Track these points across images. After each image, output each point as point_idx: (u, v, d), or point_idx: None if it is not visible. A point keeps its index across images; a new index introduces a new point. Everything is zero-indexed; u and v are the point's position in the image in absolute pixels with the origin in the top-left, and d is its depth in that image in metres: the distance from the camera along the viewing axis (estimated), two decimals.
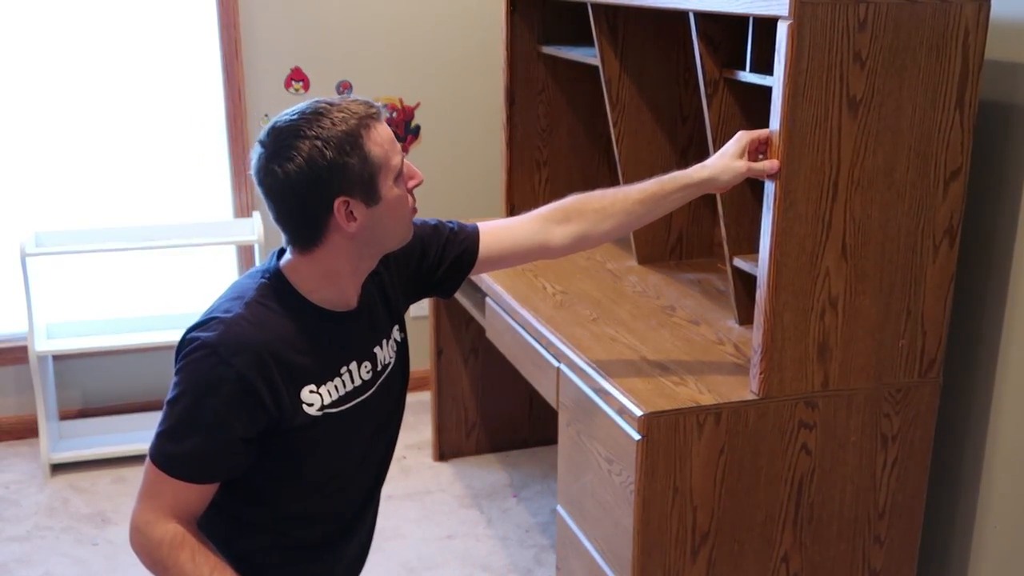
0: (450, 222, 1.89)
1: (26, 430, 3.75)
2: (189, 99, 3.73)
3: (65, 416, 3.77)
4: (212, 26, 3.66)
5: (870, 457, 2.12)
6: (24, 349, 3.57)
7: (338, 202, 1.51)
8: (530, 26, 3.24)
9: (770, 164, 1.89)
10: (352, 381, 1.65)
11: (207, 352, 1.51)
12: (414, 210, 1.63)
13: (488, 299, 2.80)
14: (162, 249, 3.56)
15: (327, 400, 1.61)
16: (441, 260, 1.84)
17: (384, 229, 1.59)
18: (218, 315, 1.54)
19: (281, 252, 1.64)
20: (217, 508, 1.63)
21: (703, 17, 2.21)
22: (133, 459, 3.58)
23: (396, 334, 1.78)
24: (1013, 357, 2.17)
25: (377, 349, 1.71)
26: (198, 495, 1.56)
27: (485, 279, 2.79)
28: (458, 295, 3.21)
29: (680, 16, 2.62)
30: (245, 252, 3.87)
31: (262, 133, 1.54)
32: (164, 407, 1.55)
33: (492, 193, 3.91)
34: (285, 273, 1.60)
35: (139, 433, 3.66)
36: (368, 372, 1.69)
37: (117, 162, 3.70)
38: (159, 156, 3.74)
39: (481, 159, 4.03)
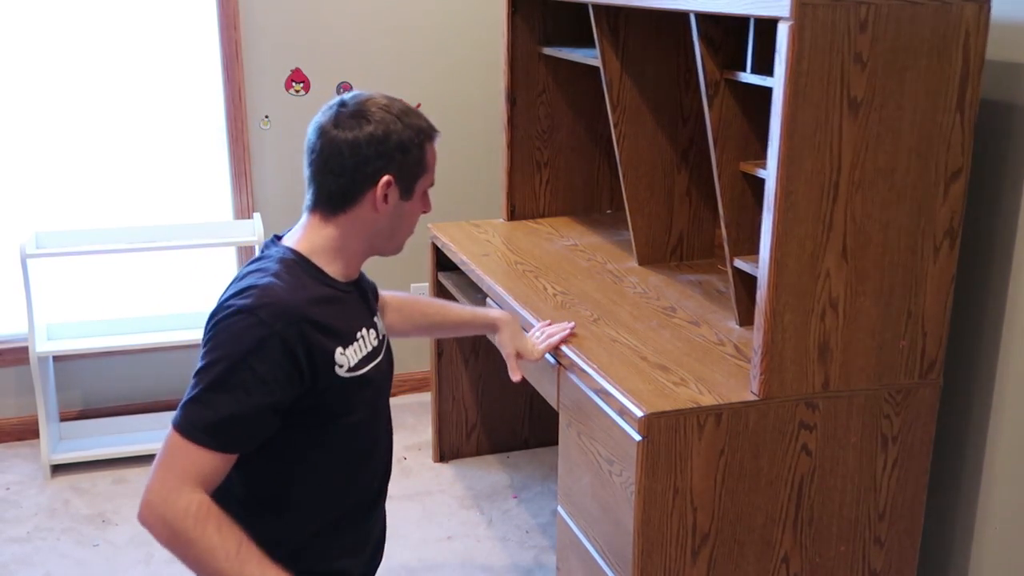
0: None
1: (26, 431, 3.75)
2: (189, 100, 3.73)
3: (65, 417, 3.77)
4: (212, 27, 3.66)
5: (870, 458, 2.12)
6: (24, 350, 3.57)
7: (386, 179, 1.64)
8: (531, 27, 3.25)
9: (516, 374, 2.25)
10: (367, 345, 1.73)
11: (246, 315, 1.54)
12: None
13: (488, 300, 2.80)
14: (162, 250, 3.56)
15: (353, 362, 1.66)
16: None
17: (398, 227, 1.72)
18: (252, 283, 1.58)
19: (273, 240, 1.73)
20: (240, 497, 1.64)
21: (704, 18, 2.21)
22: (134, 460, 3.58)
23: (380, 322, 1.85)
24: (1013, 358, 2.17)
25: (375, 319, 1.82)
26: (222, 466, 1.56)
27: (486, 280, 2.79)
28: (458, 296, 3.21)
29: (681, 17, 2.62)
30: (245, 253, 3.87)
31: (341, 96, 1.67)
32: (194, 377, 1.56)
33: (493, 194, 3.91)
34: (299, 250, 1.68)
35: (140, 434, 3.67)
36: (375, 338, 1.77)
37: (118, 163, 3.71)
38: (159, 157, 3.75)
39: (482, 160, 4.03)
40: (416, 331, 2.19)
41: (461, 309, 2.30)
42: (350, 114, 1.63)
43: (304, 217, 1.71)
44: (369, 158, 1.62)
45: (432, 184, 1.74)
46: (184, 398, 1.56)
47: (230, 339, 1.54)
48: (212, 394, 1.53)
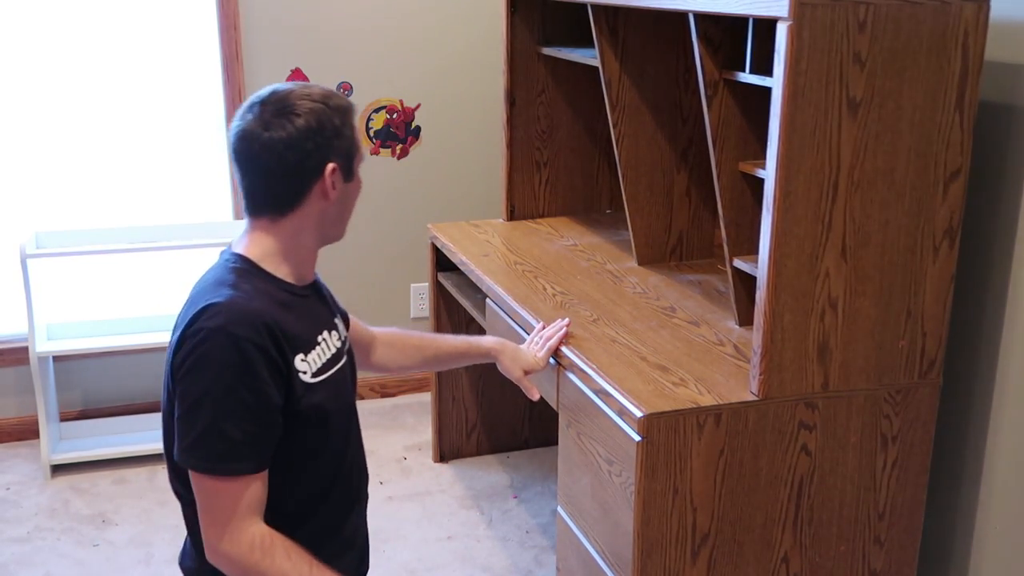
0: None
1: (27, 431, 3.75)
2: (189, 100, 3.73)
3: (66, 417, 3.77)
4: (212, 26, 3.66)
5: (870, 458, 2.12)
6: (24, 350, 3.57)
7: (331, 167, 1.60)
8: (530, 27, 3.25)
9: (533, 392, 2.26)
10: (329, 348, 1.70)
11: (218, 335, 1.51)
12: None
13: (488, 300, 2.80)
14: (162, 250, 3.56)
15: (315, 367, 1.64)
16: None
17: (344, 211, 1.69)
18: (212, 302, 1.54)
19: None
20: None
21: (703, 18, 2.21)
22: (134, 460, 3.58)
23: (340, 323, 1.82)
24: (1013, 357, 2.17)
25: (336, 320, 1.80)
26: (262, 486, 1.56)
27: (485, 280, 2.79)
28: (458, 295, 3.21)
29: (680, 17, 2.62)
30: None
31: (256, 97, 1.60)
32: (186, 413, 1.52)
33: (492, 194, 3.91)
34: (247, 255, 1.64)
35: (140, 434, 3.67)
36: (337, 340, 1.75)
37: (117, 163, 3.71)
38: (159, 157, 3.75)
39: (481, 160, 4.03)
40: (412, 365, 2.17)
41: (454, 340, 2.27)
42: (275, 112, 1.57)
43: (248, 223, 1.67)
44: (310, 151, 1.58)
45: (363, 159, 1.71)
46: (187, 437, 1.52)
47: (212, 364, 1.51)
48: (220, 423, 1.50)
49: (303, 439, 1.63)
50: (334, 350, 1.71)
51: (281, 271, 1.65)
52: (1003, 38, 2.13)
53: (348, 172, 1.65)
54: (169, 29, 3.64)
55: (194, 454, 1.52)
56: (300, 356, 1.61)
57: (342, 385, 1.73)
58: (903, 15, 1.86)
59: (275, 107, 1.57)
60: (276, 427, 1.57)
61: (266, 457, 1.56)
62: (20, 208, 3.65)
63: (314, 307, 1.72)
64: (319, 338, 1.68)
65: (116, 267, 3.74)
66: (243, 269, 1.62)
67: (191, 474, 1.54)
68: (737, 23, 2.22)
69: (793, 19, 1.80)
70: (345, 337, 1.81)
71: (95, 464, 3.57)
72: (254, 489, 1.55)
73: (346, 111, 1.63)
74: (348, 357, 1.80)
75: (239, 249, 1.66)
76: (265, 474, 1.57)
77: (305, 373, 1.61)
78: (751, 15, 1.92)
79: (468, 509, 3.33)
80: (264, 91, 1.61)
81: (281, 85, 1.63)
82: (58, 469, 3.54)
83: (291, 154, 1.57)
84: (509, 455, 3.69)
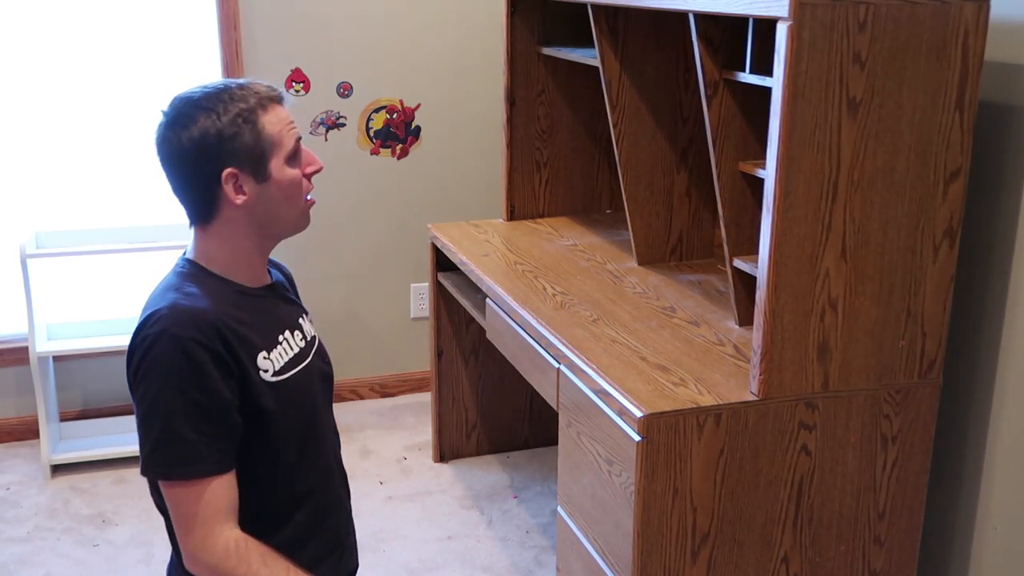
0: None
1: (27, 431, 3.75)
2: None
3: (65, 417, 3.77)
4: (212, 26, 3.66)
5: (870, 458, 2.12)
6: (24, 350, 3.57)
7: (226, 173, 1.53)
8: (530, 27, 3.25)
9: None
10: (291, 349, 1.67)
11: (161, 339, 1.50)
12: (311, 200, 1.66)
13: (488, 300, 2.80)
14: (162, 250, 3.55)
15: (277, 366, 1.62)
16: None
17: (276, 209, 1.60)
18: (155, 308, 1.54)
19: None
20: None
21: (703, 18, 2.21)
22: (134, 460, 3.58)
23: (306, 324, 1.79)
24: (1013, 357, 2.17)
25: (301, 320, 1.75)
26: (227, 487, 1.53)
27: (485, 280, 2.79)
28: (458, 296, 3.21)
29: (680, 17, 2.62)
30: None
31: (164, 106, 1.57)
32: (142, 422, 1.52)
33: (492, 194, 3.91)
34: (196, 260, 1.63)
35: None
36: (301, 340, 1.71)
37: (118, 163, 3.71)
38: None
39: (481, 160, 4.03)
40: None
41: None
42: (170, 123, 1.53)
43: (192, 229, 1.65)
44: (200, 162, 1.52)
45: (295, 147, 1.59)
46: (146, 445, 1.51)
47: (160, 368, 1.50)
48: (174, 426, 1.49)
49: (266, 440, 1.61)
50: (297, 350, 1.68)
51: (228, 273, 1.63)
52: (1003, 38, 2.13)
53: (259, 174, 1.55)
54: (169, 29, 3.64)
55: (153, 461, 1.50)
56: (263, 354, 1.58)
57: (306, 385, 1.69)
58: (903, 15, 1.86)
59: (170, 117, 1.54)
60: (234, 426, 1.53)
61: (227, 457, 1.53)
62: (20, 208, 3.65)
63: (272, 307, 1.68)
64: (280, 338, 1.65)
65: (116, 267, 3.74)
66: (191, 273, 1.61)
67: (160, 485, 1.53)
68: (737, 23, 2.22)
69: (793, 19, 1.80)
70: (313, 337, 1.77)
71: (95, 464, 3.57)
72: (220, 491, 1.52)
73: (241, 111, 1.53)
74: (317, 358, 1.76)
75: (189, 254, 1.64)
76: (232, 476, 1.54)
77: (267, 371, 1.59)
78: (751, 15, 1.92)
79: (468, 509, 3.33)
80: (174, 98, 1.57)
81: (186, 90, 1.57)
82: (58, 469, 3.54)
83: (184, 168, 1.54)
84: (509, 455, 3.69)
